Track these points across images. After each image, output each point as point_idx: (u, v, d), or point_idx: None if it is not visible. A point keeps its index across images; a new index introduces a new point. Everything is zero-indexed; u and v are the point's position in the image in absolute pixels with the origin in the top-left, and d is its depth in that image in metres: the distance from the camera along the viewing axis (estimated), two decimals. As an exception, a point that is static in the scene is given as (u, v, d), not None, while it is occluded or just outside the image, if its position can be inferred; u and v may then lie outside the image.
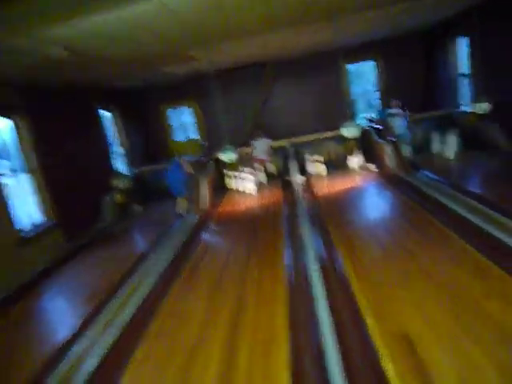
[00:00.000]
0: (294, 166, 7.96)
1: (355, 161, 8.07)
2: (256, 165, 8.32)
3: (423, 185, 5.99)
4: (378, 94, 10.90)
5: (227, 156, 6.05)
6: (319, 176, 8.30)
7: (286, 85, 10.86)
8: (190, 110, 11.18)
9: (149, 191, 9.61)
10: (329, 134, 9.20)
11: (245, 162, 8.27)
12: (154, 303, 3.88)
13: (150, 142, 11.02)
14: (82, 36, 4.12)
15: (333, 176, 8.16)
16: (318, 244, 4.54)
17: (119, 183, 6.43)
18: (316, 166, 8.32)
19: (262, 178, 8.00)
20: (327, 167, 8.44)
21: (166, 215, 7.75)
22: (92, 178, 7.79)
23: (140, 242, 6.50)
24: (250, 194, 7.70)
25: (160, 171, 9.46)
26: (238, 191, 8.23)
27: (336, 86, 10.57)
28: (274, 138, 10.21)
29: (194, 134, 11.41)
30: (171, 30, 4.72)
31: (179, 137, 11.51)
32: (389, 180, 6.90)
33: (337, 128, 9.54)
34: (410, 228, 4.59)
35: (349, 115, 10.85)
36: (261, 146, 8.52)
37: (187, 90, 10.93)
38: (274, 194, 7.49)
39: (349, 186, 7.06)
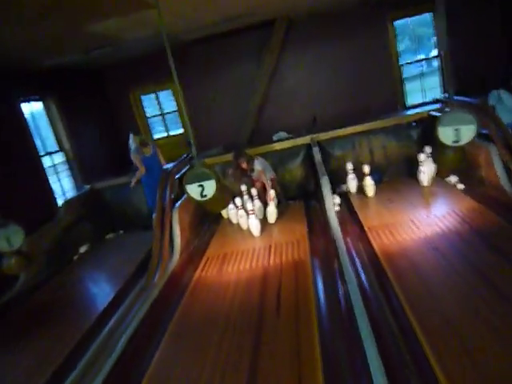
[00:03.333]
0: (324, 180, 4.77)
1: (425, 171, 4.87)
2: (258, 187, 5.25)
3: None
4: (437, 63, 7.62)
5: (197, 189, 2.93)
6: (364, 196, 5.17)
7: (304, 52, 7.60)
8: (171, 94, 8.08)
9: (110, 218, 6.65)
10: (372, 124, 6.04)
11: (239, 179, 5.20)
12: None
13: (117, 143, 7.93)
14: None
15: (386, 194, 5.02)
16: None
17: (3, 246, 3.42)
18: (364, 180, 5.19)
19: (271, 208, 4.88)
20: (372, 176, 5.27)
21: (121, 267, 4.78)
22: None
23: (50, 345, 3.48)
24: (253, 235, 4.62)
25: (127, 186, 6.52)
26: (235, 226, 5.17)
27: (380, 54, 7.34)
28: (289, 132, 7.13)
29: (176, 128, 8.34)
30: None
31: (159, 133, 8.44)
32: (500, 210, 3.76)
33: (384, 116, 6.46)
34: None
35: (400, 97, 7.67)
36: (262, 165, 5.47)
37: (166, 66, 7.78)
38: (294, 236, 4.41)
39: (422, 219, 3.94)
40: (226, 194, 3.30)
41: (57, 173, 6.13)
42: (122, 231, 6.58)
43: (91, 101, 7.48)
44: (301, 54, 7.57)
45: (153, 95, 8.07)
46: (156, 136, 8.30)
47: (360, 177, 5.30)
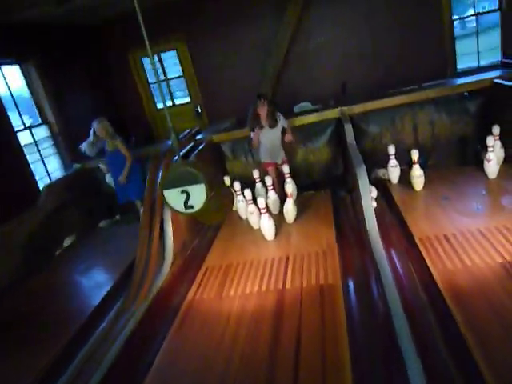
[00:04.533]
0: (360, 171, 3.66)
1: (492, 159, 3.72)
2: (269, 176, 4.23)
3: None
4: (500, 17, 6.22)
5: (179, 196, 1.96)
6: (409, 188, 4.07)
7: (334, 4, 6.32)
8: (177, 55, 6.97)
9: (105, 202, 5.78)
10: (418, 95, 4.87)
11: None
12: None
13: (115, 113, 6.90)
14: None
15: (436, 187, 3.92)
16: None
17: None
18: (410, 170, 4.07)
19: (289, 205, 3.83)
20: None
21: (105, 272, 3.96)
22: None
23: None
24: (266, 240, 3.64)
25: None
26: (244, 222, 4.19)
27: (427, 6, 6.00)
28: (315, 102, 5.99)
29: (183, 96, 7.29)
30: None
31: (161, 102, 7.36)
32: None
33: (433, 84, 5.25)
34: None
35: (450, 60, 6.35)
36: (270, 139, 4.41)
37: (171, 22, 6.67)
38: (318, 243, 3.40)
39: (494, 229, 2.89)
40: (225, 201, 2.31)
41: (39, 150, 5.22)
42: (118, 216, 5.78)
43: (83, 64, 6.41)
44: (330, 7, 6.27)
45: (155, 58, 6.98)
46: (159, 106, 7.26)
47: (402, 162, 4.22)
